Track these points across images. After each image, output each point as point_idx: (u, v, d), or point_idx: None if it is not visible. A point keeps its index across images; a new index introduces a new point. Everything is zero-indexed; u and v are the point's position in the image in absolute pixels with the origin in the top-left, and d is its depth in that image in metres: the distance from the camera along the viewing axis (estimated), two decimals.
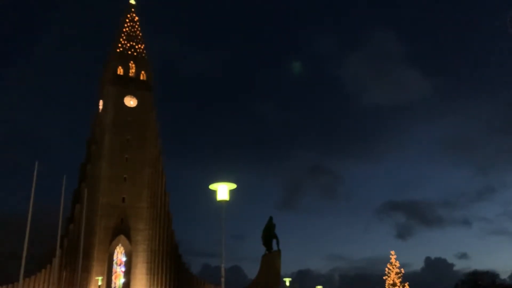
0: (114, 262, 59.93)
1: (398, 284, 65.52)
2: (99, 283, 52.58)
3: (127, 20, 73.15)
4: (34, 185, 30.83)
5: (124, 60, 69.85)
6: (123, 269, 60.30)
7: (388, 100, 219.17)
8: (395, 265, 66.89)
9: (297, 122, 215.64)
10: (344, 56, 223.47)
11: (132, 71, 69.95)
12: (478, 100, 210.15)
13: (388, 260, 67.91)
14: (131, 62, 70.29)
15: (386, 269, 67.24)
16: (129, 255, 60.51)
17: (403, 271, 66.96)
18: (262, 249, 43.34)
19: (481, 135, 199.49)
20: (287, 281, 49.93)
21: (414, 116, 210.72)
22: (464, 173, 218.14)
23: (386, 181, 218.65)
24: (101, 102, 69.56)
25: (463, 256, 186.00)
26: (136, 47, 71.81)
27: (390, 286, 65.82)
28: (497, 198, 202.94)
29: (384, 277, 66.75)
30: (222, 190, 15.43)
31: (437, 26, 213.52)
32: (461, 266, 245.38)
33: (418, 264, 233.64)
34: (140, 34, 73.49)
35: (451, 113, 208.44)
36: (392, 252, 67.80)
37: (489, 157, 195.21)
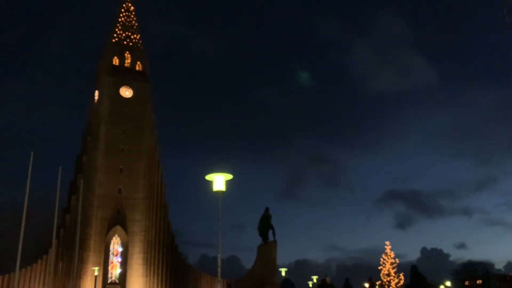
0: (110, 252, 60.07)
1: (393, 274, 66.12)
2: (96, 273, 52.71)
3: (123, 10, 72.61)
4: (29, 176, 30.70)
5: (120, 50, 69.46)
6: (119, 259, 60.47)
7: (392, 87, 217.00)
8: (390, 256, 67.46)
9: (299, 111, 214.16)
10: (350, 42, 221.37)
11: (128, 61, 69.61)
12: (482, 88, 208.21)
13: (385, 250, 68.54)
14: (127, 52, 69.94)
15: (381, 259, 67.85)
16: (125, 245, 60.65)
17: (397, 261, 67.59)
18: (260, 239, 43.57)
19: (484, 124, 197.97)
20: (283, 271, 50.18)
21: (417, 105, 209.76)
22: (466, 162, 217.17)
23: (387, 171, 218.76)
24: (96, 93, 69.20)
25: (462, 246, 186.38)
26: (132, 37, 71.38)
27: (385, 276, 66.40)
28: (498, 188, 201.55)
29: (379, 267, 67.34)
30: (219, 181, 15.44)
31: (444, 12, 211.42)
32: (458, 256, 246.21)
33: (414, 254, 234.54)
34: (136, 24, 73.03)
35: (454, 101, 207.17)
36: (387, 243, 68.44)
37: (492, 146, 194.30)
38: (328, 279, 19.36)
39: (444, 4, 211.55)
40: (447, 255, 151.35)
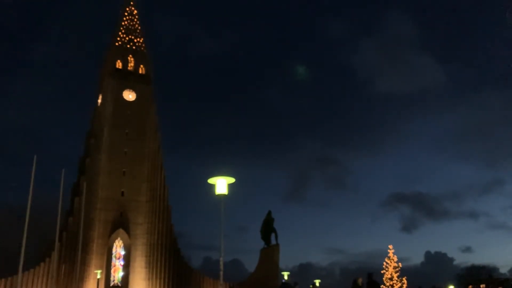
0: (113, 255, 60.08)
1: (396, 278, 65.79)
2: (98, 276, 52.73)
3: (126, 14, 72.96)
4: (33, 178, 30.75)
5: (123, 54, 69.71)
6: (122, 262, 60.47)
7: (399, 88, 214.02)
8: (393, 259, 67.15)
9: (305, 111, 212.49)
10: (357, 42, 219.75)
11: (131, 65, 69.82)
12: (490, 90, 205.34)
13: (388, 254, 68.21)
14: (130, 56, 70.16)
15: (384, 263, 67.57)
16: (128, 248, 60.66)
17: (400, 265, 67.25)
18: (263, 243, 43.56)
19: (491, 127, 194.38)
20: (286, 275, 50.02)
21: (424, 106, 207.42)
22: (473, 165, 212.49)
23: (393, 173, 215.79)
24: (100, 96, 69.46)
25: (467, 250, 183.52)
26: (135, 40, 71.63)
27: (388, 280, 66.10)
28: (505, 191, 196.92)
29: (382, 271, 66.99)
30: (221, 184, 15.41)
31: (452, 12, 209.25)
32: (463, 260, 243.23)
33: (419, 258, 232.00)
34: (139, 27, 73.31)
35: (461, 103, 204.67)
36: (390, 246, 68.09)
37: (498, 149, 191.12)
38: (359, 281, 19.41)
39: (452, 4, 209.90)
40: (451, 259, 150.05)
